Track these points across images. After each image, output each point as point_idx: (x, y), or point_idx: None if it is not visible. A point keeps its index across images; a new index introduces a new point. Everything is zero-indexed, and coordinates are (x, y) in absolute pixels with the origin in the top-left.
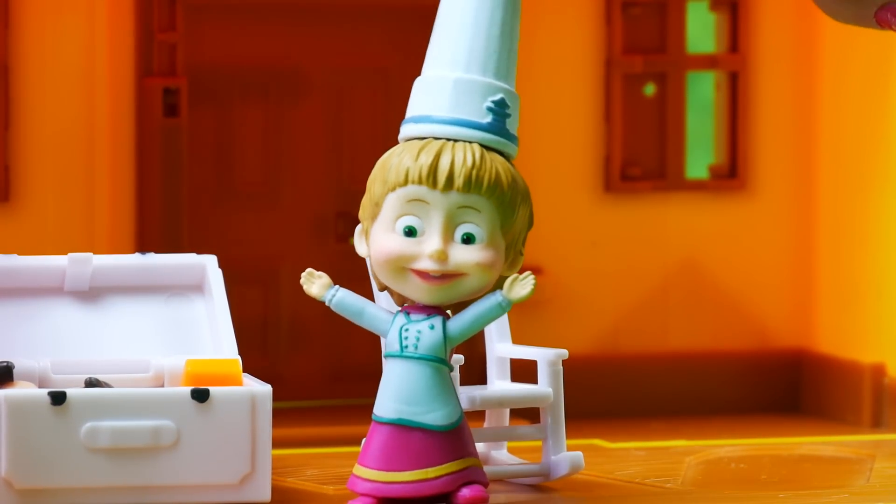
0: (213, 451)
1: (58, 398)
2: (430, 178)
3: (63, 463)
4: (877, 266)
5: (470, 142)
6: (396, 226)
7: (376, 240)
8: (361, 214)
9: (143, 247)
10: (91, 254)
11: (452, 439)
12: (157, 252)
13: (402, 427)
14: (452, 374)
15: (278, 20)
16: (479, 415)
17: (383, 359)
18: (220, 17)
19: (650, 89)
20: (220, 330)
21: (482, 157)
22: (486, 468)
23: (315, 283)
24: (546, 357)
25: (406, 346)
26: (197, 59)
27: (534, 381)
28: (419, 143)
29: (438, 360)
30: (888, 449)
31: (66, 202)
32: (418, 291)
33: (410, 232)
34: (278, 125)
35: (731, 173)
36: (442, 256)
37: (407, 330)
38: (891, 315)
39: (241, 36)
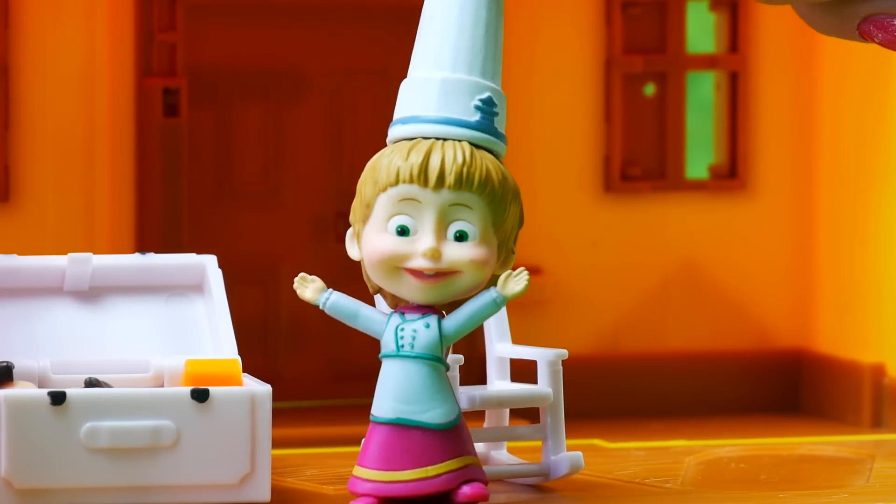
0: (212, 451)
1: (58, 398)
2: (421, 176)
3: (63, 463)
4: (877, 266)
5: (459, 140)
6: (389, 226)
7: (369, 241)
8: (352, 218)
9: (143, 247)
10: (91, 254)
11: (451, 437)
12: (157, 252)
13: (400, 426)
14: (451, 374)
15: (278, 20)
16: (478, 415)
17: (380, 359)
18: (220, 17)
19: (650, 89)
20: (220, 330)
21: (472, 154)
22: (485, 468)
23: (308, 287)
24: (546, 357)
25: (402, 346)
26: (197, 59)
27: (534, 381)
28: (409, 143)
29: (435, 359)
30: (888, 449)
31: (66, 202)
32: (413, 291)
33: (403, 231)
34: (278, 125)
35: (731, 173)
36: (435, 254)
37: (402, 329)
38: (891, 315)
39: (241, 36)
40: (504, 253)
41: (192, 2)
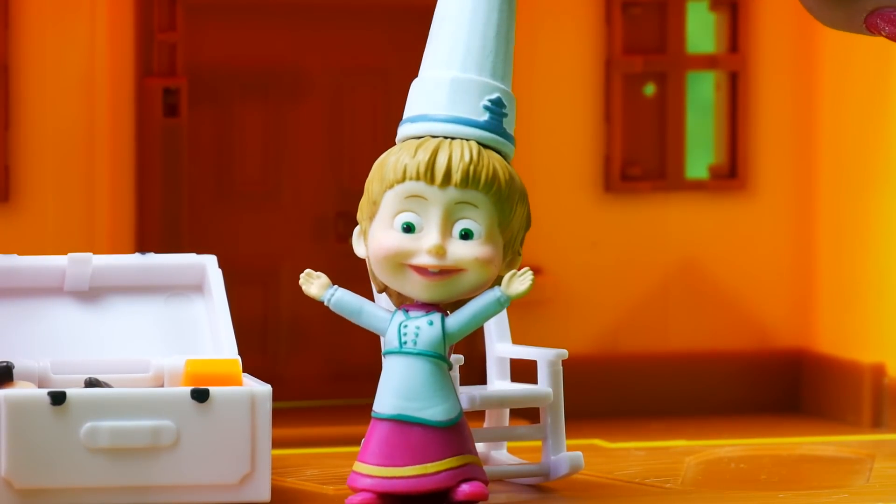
0: (212, 451)
1: (58, 398)
2: (428, 173)
3: (63, 463)
4: (877, 266)
5: (467, 139)
6: (395, 222)
7: (375, 237)
8: (360, 215)
9: (143, 247)
10: (91, 254)
11: (452, 435)
12: (157, 252)
13: (401, 423)
14: (452, 373)
15: (278, 20)
16: (479, 415)
17: (383, 357)
18: (220, 17)
19: (650, 89)
20: (220, 330)
21: (479, 153)
22: (486, 468)
23: (314, 284)
24: (546, 357)
25: (405, 342)
26: (197, 59)
27: (534, 381)
28: (416, 142)
29: (437, 357)
30: (888, 449)
31: (66, 202)
32: (417, 288)
33: (409, 228)
34: (278, 125)
35: (731, 173)
36: (440, 251)
37: (406, 326)
38: (891, 315)
39: (241, 36)
40: (510, 254)
41: (192, 2)
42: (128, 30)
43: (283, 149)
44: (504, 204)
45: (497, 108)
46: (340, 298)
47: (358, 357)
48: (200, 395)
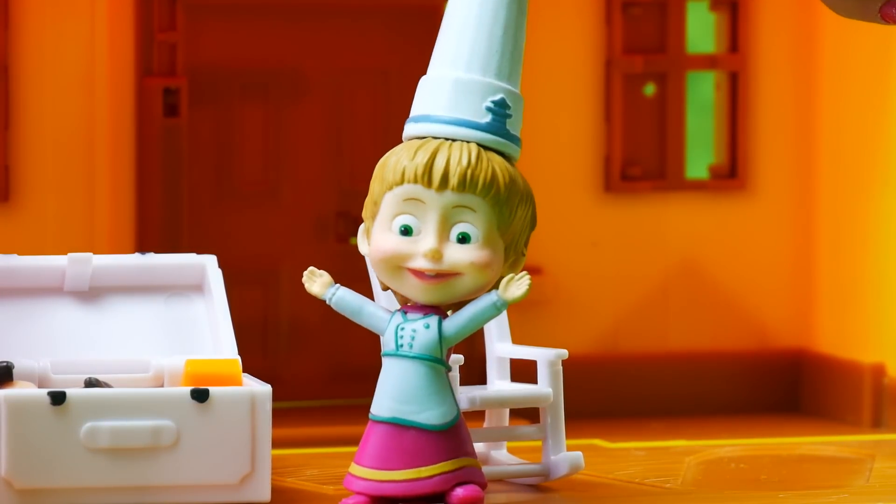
0: (212, 451)
1: (58, 398)
2: (426, 177)
3: (63, 463)
4: (877, 266)
5: (468, 141)
6: (393, 225)
7: (374, 239)
8: (364, 214)
9: (143, 247)
10: (91, 254)
11: (447, 439)
12: (157, 252)
13: (396, 426)
14: (452, 374)
15: (278, 20)
16: (479, 415)
17: (382, 358)
18: (220, 17)
19: (650, 89)
20: (220, 330)
21: (478, 156)
22: (485, 468)
23: (316, 282)
24: (546, 357)
25: (401, 345)
26: (197, 59)
27: (534, 381)
28: (417, 143)
29: (434, 360)
30: (888, 449)
31: (66, 202)
32: (415, 290)
33: (406, 231)
34: (278, 125)
35: (731, 173)
36: (436, 255)
37: (402, 329)
38: (891, 315)
39: (241, 36)
40: (513, 255)
41: (192, 2)
42: (128, 30)
43: (283, 149)
44: (503, 207)
45: (500, 110)
46: (342, 297)
47: (358, 357)
48: (200, 395)
